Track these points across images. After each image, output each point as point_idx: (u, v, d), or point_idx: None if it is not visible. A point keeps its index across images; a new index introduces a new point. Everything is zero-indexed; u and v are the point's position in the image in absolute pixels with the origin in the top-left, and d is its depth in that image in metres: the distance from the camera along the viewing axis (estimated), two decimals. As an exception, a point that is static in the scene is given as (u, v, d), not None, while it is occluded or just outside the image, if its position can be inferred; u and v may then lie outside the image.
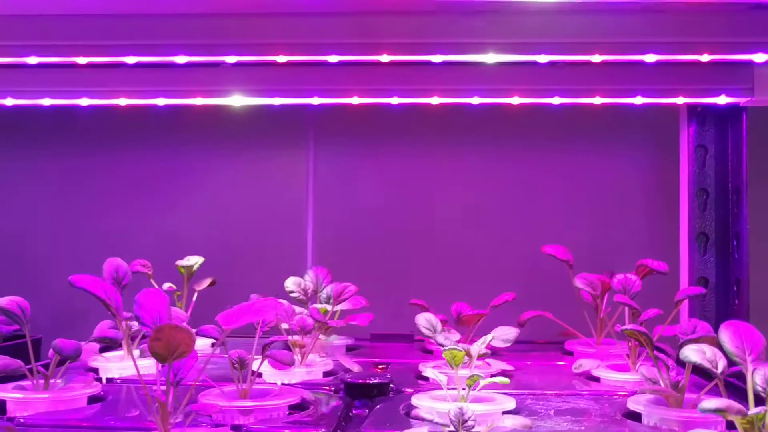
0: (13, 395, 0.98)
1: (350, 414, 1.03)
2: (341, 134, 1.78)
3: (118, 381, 1.18)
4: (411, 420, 0.94)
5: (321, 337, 1.42)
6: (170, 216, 1.81)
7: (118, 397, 1.05)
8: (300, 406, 1.01)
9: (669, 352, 1.06)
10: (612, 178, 1.71)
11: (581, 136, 1.73)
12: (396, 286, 1.73)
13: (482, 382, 0.98)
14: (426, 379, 1.23)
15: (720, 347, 0.79)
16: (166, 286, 1.51)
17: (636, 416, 0.97)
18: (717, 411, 0.68)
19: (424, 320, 1.26)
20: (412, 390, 1.14)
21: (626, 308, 1.22)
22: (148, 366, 1.21)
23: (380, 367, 1.38)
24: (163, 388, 0.76)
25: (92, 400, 1.03)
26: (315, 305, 1.45)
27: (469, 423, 0.73)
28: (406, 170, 1.77)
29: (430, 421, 0.71)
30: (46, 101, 1.50)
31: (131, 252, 1.64)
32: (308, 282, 1.52)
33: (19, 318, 1.01)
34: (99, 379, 1.18)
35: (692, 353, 0.74)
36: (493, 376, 1.19)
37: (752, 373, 0.73)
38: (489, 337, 1.18)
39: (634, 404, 0.97)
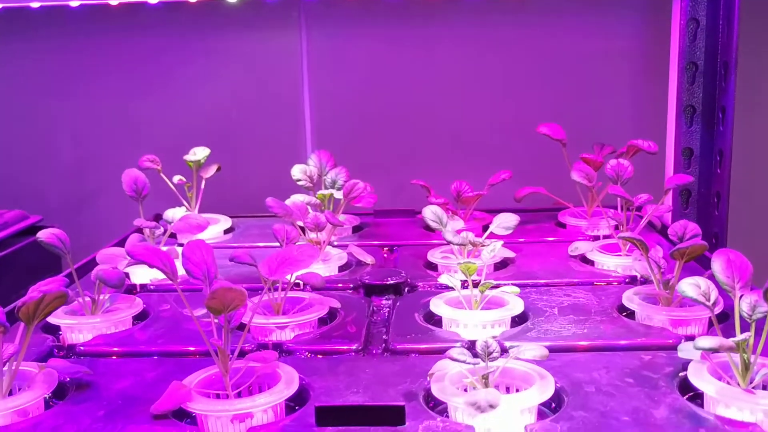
0: (66, 321, 1.07)
1: (373, 316, 1.14)
2: (333, 14, 1.77)
3: (151, 287, 1.27)
4: (431, 329, 1.05)
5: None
6: (171, 108, 1.83)
7: (160, 315, 1.13)
8: (330, 315, 1.11)
9: (660, 245, 1.17)
10: (603, 51, 1.74)
11: (573, 10, 1.74)
12: (395, 164, 1.80)
13: (490, 293, 1.09)
14: (435, 267, 1.34)
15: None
16: (177, 179, 1.57)
17: (631, 310, 1.09)
18: (711, 350, 0.78)
19: (431, 213, 1.34)
20: (423, 285, 1.24)
21: (618, 198, 1.30)
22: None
23: (388, 249, 1.49)
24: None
25: (137, 318, 1.13)
26: (322, 192, 1.52)
27: (494, 355, 0.83)
28: (401, 49, 1.78)
29: (463, 361, 0.81)
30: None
31: (137, 145, 1.68)
32: (312, 167, 1.59)
33: (61, 250, 1.08)
34: (132, 287, 1.27)
35: (689, 288, 0.84)
36: (496, 264, 1.31)
37: (740, 300, 0.83)
38: (491, 230, 1.28)
39: (628, 301, 1.09)
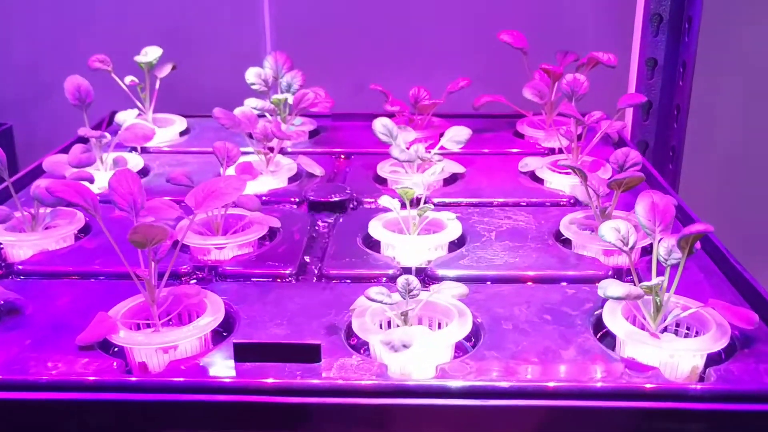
0: (6, 238, 1.08)
1: (314, 235, 1.15)
2: None
3: (98, 198, 1.27)
4: (368, 253, 1.06)
5: (283, 127, 1.49)
6: (123, 6, 1.76)
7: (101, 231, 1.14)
8: (271, 233, 1.12)
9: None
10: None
11: None
12: (356, 67, 1.76)
13: (430, 215, 1.10)
14: (384, 181, 1.34)
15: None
16: (129, 79, 1.54)
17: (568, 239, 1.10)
18: (620, 298, 0.80)
19: (381, 126, 1.32)
20: (371, 202, 1.25)
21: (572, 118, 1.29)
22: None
23: (344, 156, 1.48)
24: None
25: (80, 231, 1.13)
26: (277, 97, 1.50)
27: (414, 293, 0.85)
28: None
29: (380, 302, 0.83)
30: None
31: (89, 46, 1.63)
32: (267, 69, 1.56)
33: (-3, 166, 1.07)
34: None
35: (608, 232, 0.84)
36: (445, 179, 1.31)
37: (658, 244, 0.84)
38: (440, 144, 1.28)
39: (564, 228, 1.10)
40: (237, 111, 1.35)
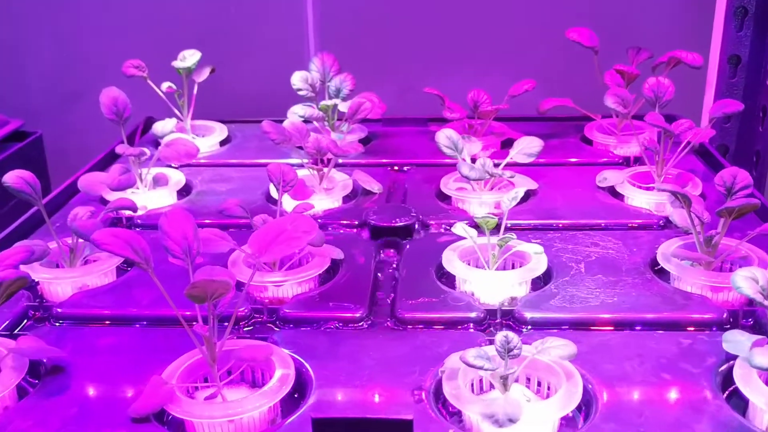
0: (42, 276, 0.97)
1: (378, 273, 1.04)
2: None
3: (139, 222, 1.16)
4: (443, 290, 0.95)
5: (333, 135, 1.38)
6: (156, 9, 1.65)
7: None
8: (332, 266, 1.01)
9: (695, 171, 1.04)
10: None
11: None
12: (405, 68, 1.64)
13: (515, 246, 0.98)
14: (448, 198, 1.22)
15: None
16: (165, 86, 1.42)
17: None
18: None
19: (445, 138, 1.21)
20: (435, 224, 1.13)
21: (658, 129, 1.16)
22: (161, 197, 1.20)
23: (397, 168, 1.36)
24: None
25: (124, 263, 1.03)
26: (325, 103, 1.38)
27: (515, 352, 0.73)
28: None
29: (480, 368, 0.71)
30: None
31: (123, 50, 1.52)
32: (314, 73, 1.44)
33: (31, 196, 0.96)
34: (117, 221, 1.16)
35: (744, 283, 0.72)
36: (516, 195, 1.19)
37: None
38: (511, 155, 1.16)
39: (664, 261, 0.97)
40: (286, 123, 1.24)
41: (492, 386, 0.80)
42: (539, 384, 0.79)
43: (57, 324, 0.92)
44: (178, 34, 1.61)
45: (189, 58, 1.42)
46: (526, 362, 0.75)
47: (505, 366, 0.74)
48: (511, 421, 0.68)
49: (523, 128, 1.43)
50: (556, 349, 0.74)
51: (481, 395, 0.78)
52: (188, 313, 0.90)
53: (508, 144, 1.42)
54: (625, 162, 1.36)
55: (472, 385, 0.78)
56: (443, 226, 1.14)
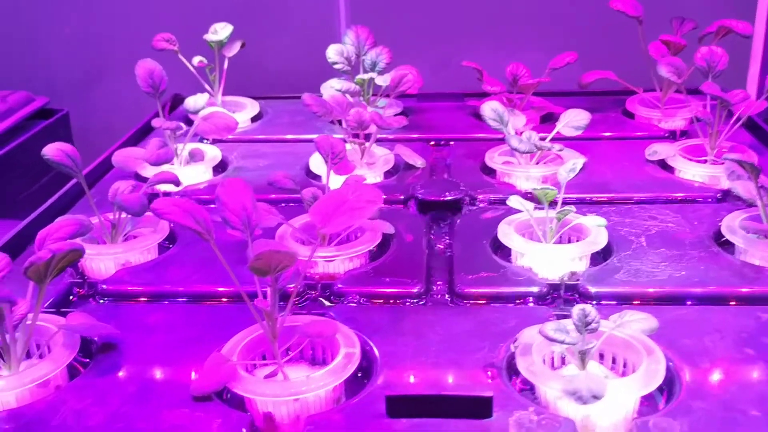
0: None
1: (431, 241, 1.00)
2: None
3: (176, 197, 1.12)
4: (501, 264, 0.91)
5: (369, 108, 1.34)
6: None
7: (189, 240, 0.99)
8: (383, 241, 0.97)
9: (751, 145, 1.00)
10: None
11: None
12: (439, 41, 1.60)
13: (574, 221, 0.94)
14: (493, 172, 1.18)
15: None
16: (197, 60, 1.39)
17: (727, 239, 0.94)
18: None
19: (491, 110, 1.17)
20: (483, 198, 1.09)
21: (709, 98, 1.12)
22: (197, 173, 1.17)
23: (435, 144, 1.33)
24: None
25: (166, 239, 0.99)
26: (361, 77, 1.34)
27: (593, 326, 0.70)
28: None
29: (562, 341, 0.68)
30: None
31: (151, 25, 1.48)
32: (348, 46, 1.40)
33: (72, 169, 0.93)
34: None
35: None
36: (575, 167, 1.15)
37: None
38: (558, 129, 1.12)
39: (729, 233, 0.94)
40: (325, 95, 1.20)
41: (563, 363, 0.76)
42: (613, 360, 0.76)
43: (101, 301, 0.89)
44: (206, 7, 1.57)
45: (221, 31, 1.38)
46: (605, 336, 0.72)
47: (583, 340, 0.70)
48: (596, 397, 0.65)
49: (562, 103, 1.39)
50: (636, 323, 0.71)
51: (556, 371, 0.74)
52: (232, 289, 0.88)
53: (547, 119, 1.39)
54: (672, 135, 1.32)
55: (543, 361, 0.75)
56: (490, 199, 1.10)
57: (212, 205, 0.75)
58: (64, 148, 0.93)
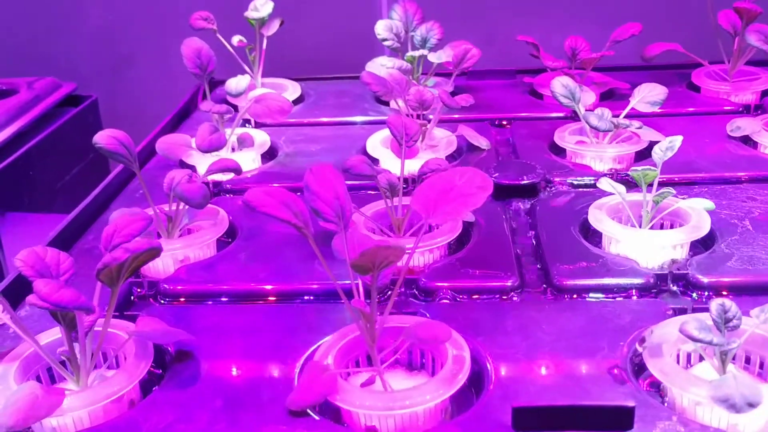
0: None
1: (514, 229, 0.92)
2: None
3: (228, 186, 1.05)
4: (598, 254, 0.84)
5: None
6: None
7: (250, 233, 0.92)
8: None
9: None
10: None
11: None
12: (490, 18, 1.51)
13: (674, 203, 0.86)
14: (562, 152, 1.10)
15: None
16: (236, 40, 1.30)
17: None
18: None
19: (561, 87, 1.09)
20: (560, 182, 1.02)
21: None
22: (248, 159, 1.09)
23: (500, 124, 1.25)
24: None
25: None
26: (412, 54, 1.26)
27: (735, 323, 0.62)
28: None
29: (709, 342, 0.60)
30: None
31: (181, 6, 1.40)
32: (396, 22, 1.31)
33: (127, 158, 0.85)
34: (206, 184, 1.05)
35: None
36: (638, 151, 1.07)
37: None
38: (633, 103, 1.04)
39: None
40: (384, 74, 1.12)
41: (688, 362, 0.69)
42: (747, 360, 0.68)
43: (162, 302, 0.81)
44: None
45: (262, 8, 1.30)
46: (748, 334, 0.64)
47: (726, 341, 0.63)
48: (751, 405, 0.57)
49: (622, 77, 1.32)
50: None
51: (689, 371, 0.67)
52: (315, 285, 0.80)
53: (607, 96, 1.31)
54: (746, 109, 1.24)
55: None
56: (568, 182, 1.02)
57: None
58: (116, 135, 0.85)
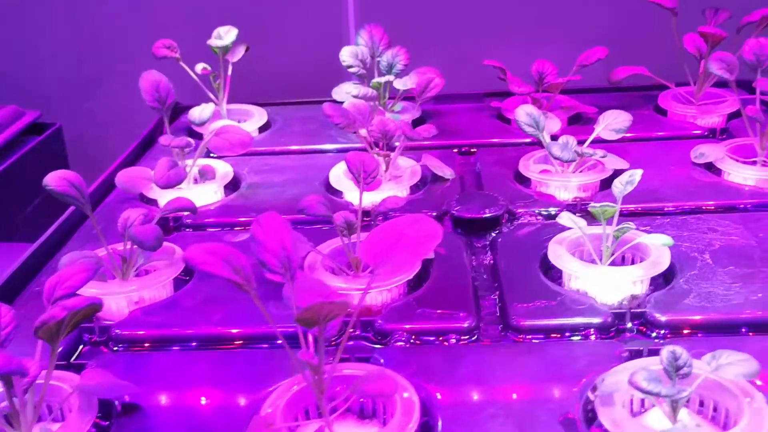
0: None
1: (473, 265, 0.91)
2: None
3: (188, 221, 1.03)
4: (556, 291, 0.83)
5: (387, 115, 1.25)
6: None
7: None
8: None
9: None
10: None
11: None
12: (455, 37, 1.50)
13: (636, 239, 0.86)
14: (527, 181, 1.09)
15: None
16: (200, 67, 1.29)
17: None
18: None
19: (525, 114, 1.08)
20: (523, 213, 1.01)
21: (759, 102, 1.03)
22: (210, 192, 1.08)
23: (467, 152, 1.24)
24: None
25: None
26: (377, 80, 1.26)
27: (685, 370, 0.62)
28: None
29: (657, 394, 0.59)
30: None
31: (151, 30, 1.38)
32: (362, 47, 1.30)
33: (78, 200, 0.83)
34: (164, 223, 1.03)
35: None
36: (603, 180, 1.06)
37: None
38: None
39: (803, 247, 0.86)
40: (346, 104, 1.11)
41: (642, 406, 0.68)
42: (701, 404, 0.67)
43: (115, 349, 0.80)
44: (207, 11, 1.47)
45: (226, 35, 1.29)
46: (699, 381, 0.63)
47: (674, 387, 0.62)
48: (702, 457, 0.57)
49: (589, 100, 1.31)
50: (734, 366, 0.62)
51: (638, 418, 0.66)
52: (265, 330, 0.79)
53: (575, 119, 1.31)
54: (711, 133, 1.24)
55: (623, 405, 0.67)
56: (530, 214, 1.01)
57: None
58: (67, 176, 0.84)
